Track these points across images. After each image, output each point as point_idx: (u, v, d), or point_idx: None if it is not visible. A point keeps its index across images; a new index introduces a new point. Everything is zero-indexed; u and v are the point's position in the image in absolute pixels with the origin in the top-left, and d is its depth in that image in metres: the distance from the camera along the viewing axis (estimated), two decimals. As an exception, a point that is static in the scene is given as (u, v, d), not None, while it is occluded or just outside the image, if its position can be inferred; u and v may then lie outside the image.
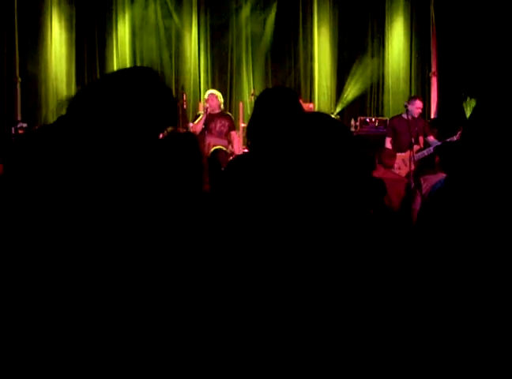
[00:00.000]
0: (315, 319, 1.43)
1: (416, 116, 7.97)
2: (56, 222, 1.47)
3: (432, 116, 10.14)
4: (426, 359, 1.47)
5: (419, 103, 8.04)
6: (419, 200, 4.98)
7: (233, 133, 8.35)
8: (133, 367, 1.45)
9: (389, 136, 8.11)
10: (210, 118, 8.12)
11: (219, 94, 8.40)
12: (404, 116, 7.88)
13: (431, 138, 7.99)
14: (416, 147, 7.59)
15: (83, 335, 1.44)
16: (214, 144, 7.50)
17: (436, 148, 6.77)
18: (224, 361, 1.43)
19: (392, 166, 6.56)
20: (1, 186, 1.59)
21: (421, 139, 7.93)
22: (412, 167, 7.08)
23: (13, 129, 9.14)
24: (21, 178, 1.54)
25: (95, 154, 1.54)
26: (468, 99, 9.52)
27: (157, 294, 1.48)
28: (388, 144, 7.97)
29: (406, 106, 7.98)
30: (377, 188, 4.09)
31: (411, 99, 8.32)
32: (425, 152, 7.67)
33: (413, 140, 7.50)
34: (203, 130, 8.03)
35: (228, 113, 8.71)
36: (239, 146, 8.37)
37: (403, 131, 7.78)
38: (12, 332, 1.46)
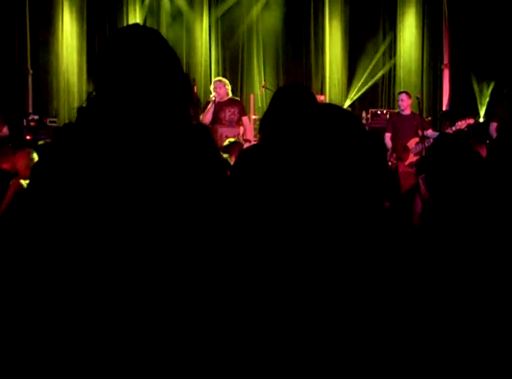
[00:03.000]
0: (323, 314, 1.43)
1: (404, 110, 8.04)
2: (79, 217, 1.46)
3: (444, 108, 10.09)
4: (426, 359, 1.47)
5: (401, 96, 8.12)
6: (419, 202, 4.84)
7: (244, 118, 8.09)
8: (134, 367, 1.44)
9: (389, 132, 8.15)
10: (219, 106, 7.87)
11: (226, 81, 8.13)
12: (401, 112, 8.04)
13: (429, 132, 7.98)
14: (414, 139, 7.67)
15: (83, 334, 1.44)
16: (226, 136, 7.36)
17: (434, 140, 6.80)
18: (225, 360, 1.43)
19: (406, 160, 6.56)
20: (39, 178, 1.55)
21: (419, 133, 7.96)
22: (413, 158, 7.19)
23: (24, 120, 9.19)
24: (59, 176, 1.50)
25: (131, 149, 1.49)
26: (478, 85, 9.48)
27: (162, 290, 1.47)
28: (387, 140, 8.04)
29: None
30: (392, 180, 4.07)
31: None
32: (425, 144, 7.69)
33: (407, 133, 7.63)
34: (213, 120, 7.82)
35: (237, 98, 8.45)
36: (251, 132, 8.20)
37: (401, 127, 7.89)
38: (12, 332, 1.45)
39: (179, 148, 1.54)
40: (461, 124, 7.73)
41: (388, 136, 8.08)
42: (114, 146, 1.48)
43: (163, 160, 1.49)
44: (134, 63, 1.55)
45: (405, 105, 8.04)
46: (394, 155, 6.90)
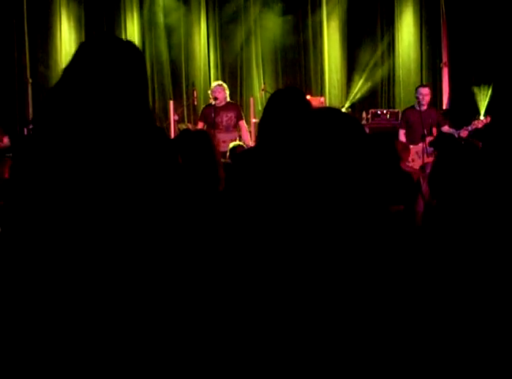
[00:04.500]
0: (324, 313, 1.42)
1: (425, 105, 7.79)
2: (62, 219, 1.47)
3: (444, 107, 10.07)
4: (427, 359, 1.46)
5: (422, 90, 7.84)
6: (421, 201, 4.78)
7: (241, 122, 8.12)
8: (134, 367, 1.44)
9: (402, 128, 7.94)
10: (216, 111, 7.90)
11: (225, 85, 8.17)
12: (417, 107, 7.76)
13: (445, 128, 7.81)
14: (429, 138, 7.37)
15: (83, 334, 1.44)
16: (224, 140, 7.35)
17: (430, 142, 6.69)
18: (225, 360, 1.43)
19: (406, 159, 6.49)
20: (10, 183, 1.60)
21: (435, 130, 7.74)
22: (427, 159, 6.98)
23: (25, 129, 9.18)
24: (25, 178, 1.55)
25: (99, 152, 1.53)
26: (477, 87, 9.45)
27: (161, 291, 1.47)
28: (402, 137, 7.82)
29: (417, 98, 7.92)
30: (404, 182, 4.04)
31: (415, 89, 8.14)
32: (427, 145, 7.51)
33: (426, 131, 7.42)
34: (210, 125, 7.80)
35: (233, 102, 8.44)
36: (248, 136, 8.19)
37: (415, 123, 7.64)
38: (12, 332, 1.46)
39: (131, 149, 1.58)
40: (478, 123, 7.60)
41: (402, 132, 7.89)
42: (71, 145, 1.53)
43: (115, 156, 1.54)
44: (93, 71, 1.62)
45: (427, 100, 7.81)
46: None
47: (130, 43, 1.75)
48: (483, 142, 5.54)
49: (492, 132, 7.24)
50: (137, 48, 1.75)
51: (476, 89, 9.51)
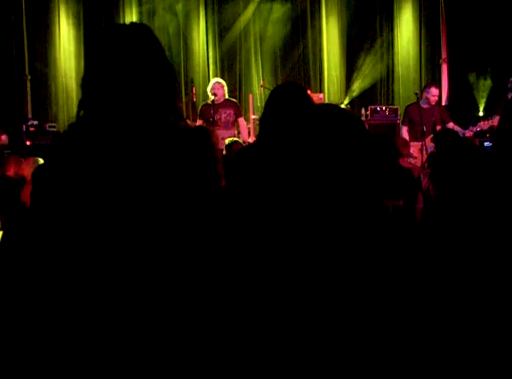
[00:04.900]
0: (322, 310, 1.42)
1: (433, 104, 7.74)
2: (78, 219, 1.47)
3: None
4: (427, 358, 1.46)
5: (434, 91, 7.76)
6: (420, 198, 4.76)
7: (240, 119, 8.11)
8: (134, 367, 1.44)
9: (405, 125, 7.89)
10: (215, 108, 7.87)
11: (224, 82, 8.16)
12: (421, 104, 7.70)
13: (450, 125, 7.66)
14: (430, 135, 7.25)
15: (83, 334, 1.44)
16: (222, 137, 7.35)
17: (433, 137, 6.61)
18: (225, 360, 1.43)
19: (407, 155, 6.45)
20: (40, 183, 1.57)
21: (438, 128, 7.59)
22: (425, 158, 6.93)
23: (24, 126, 9.18)
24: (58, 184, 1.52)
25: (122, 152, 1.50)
26: (476, 79, 9.44)
27: (162, 291, 1.46)
28: (405, 133, 7.78)
29: (417, 94, 7.88)
30: (404, 178, 4.05)
31: (426, 86, 8.05)
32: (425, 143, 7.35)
33: (425, 128, 7.36)
34: (209, 122, 7.76)
35: (232, 99, 8.40)
36: (246, 133, 8.18)
37: (418, 120, 7.57)
38: (12, 332, 1.45)
39: (164, 152, 1.54)
40: (484, 125, 7.45)
41: (405, 129, 7.82)
42: (105, 151, 1.49)
43: (149, 164, 1.50)
44: (120, 67, 1.54)
45: (436, 100, 7.75)
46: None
47: (142, 26, 1.63)
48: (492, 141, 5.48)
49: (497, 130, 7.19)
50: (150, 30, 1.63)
51: (475, 85, 9.50)
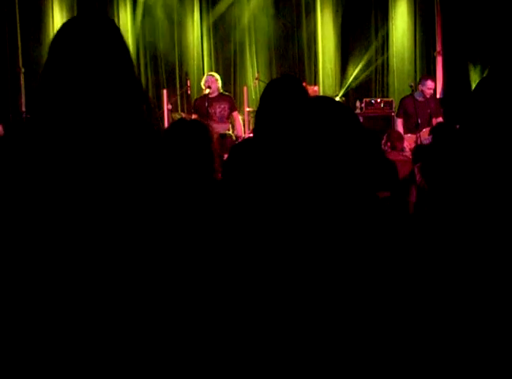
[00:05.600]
0: (319, 305, 1.42)
1: (428, 97, 7.73)
2: (56, 216, 1.46)
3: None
4: (426, 358, 1.46)
5: (430, 84, 7.76)
6: (414, 191, 4.73)
7: (235, 114, 8.08)
8: (134, 367, 1.44)
9: (399, 118, 7.89)
10: (209, 102, 7.87)
11: (218, 76, 8.14)
12: (416, 96, 7.70)
13: (440, 119, 7.69)
14: (426, 129, 7.24)
15: (83, 334, 1.43)
16: (216, 131, 7.30)
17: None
18: (224, 360, 1.43)
19: (400, 148, 6.44)
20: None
21: (434, 121, 7.60)
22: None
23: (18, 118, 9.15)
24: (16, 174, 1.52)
25: (94, 144, 1.50)
26: (471, 71, 9.42)
27: (160, 289, 1.46)
28: (399, 126, 7.78)
29: (411, 87, 7.88)
30: (390, 170, 4.08)
31: (422, 79, 8.03)
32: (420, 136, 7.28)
33: (420, 120, 7.34)
34: (203, 116, 7.70)
35: (226, 93, 8.39)
36: (241, 128, 8.17)
37: (413, 112, 7.55)
38: (12, 332, 1.45)
39: (124, 148, 1.53)
40: None
41: (399, 122, 7.81)
42: (62, 143, 1.49)
43: (109, 156, 1.50)
44: (80, 59, 1.55)
45: (432, 93, 7.76)
46: (388, 143, 6.70)
47: (105, 19, 1.65)
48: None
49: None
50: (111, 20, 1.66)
51: (470, 77, 9.49)
